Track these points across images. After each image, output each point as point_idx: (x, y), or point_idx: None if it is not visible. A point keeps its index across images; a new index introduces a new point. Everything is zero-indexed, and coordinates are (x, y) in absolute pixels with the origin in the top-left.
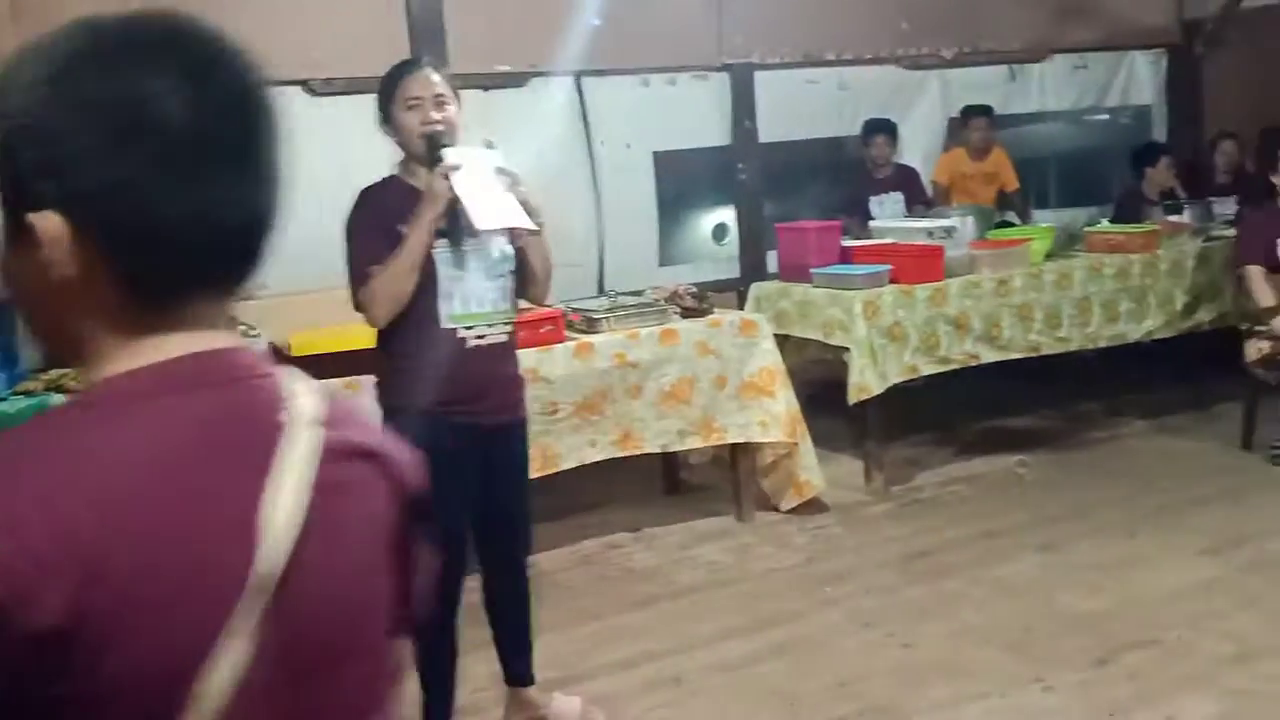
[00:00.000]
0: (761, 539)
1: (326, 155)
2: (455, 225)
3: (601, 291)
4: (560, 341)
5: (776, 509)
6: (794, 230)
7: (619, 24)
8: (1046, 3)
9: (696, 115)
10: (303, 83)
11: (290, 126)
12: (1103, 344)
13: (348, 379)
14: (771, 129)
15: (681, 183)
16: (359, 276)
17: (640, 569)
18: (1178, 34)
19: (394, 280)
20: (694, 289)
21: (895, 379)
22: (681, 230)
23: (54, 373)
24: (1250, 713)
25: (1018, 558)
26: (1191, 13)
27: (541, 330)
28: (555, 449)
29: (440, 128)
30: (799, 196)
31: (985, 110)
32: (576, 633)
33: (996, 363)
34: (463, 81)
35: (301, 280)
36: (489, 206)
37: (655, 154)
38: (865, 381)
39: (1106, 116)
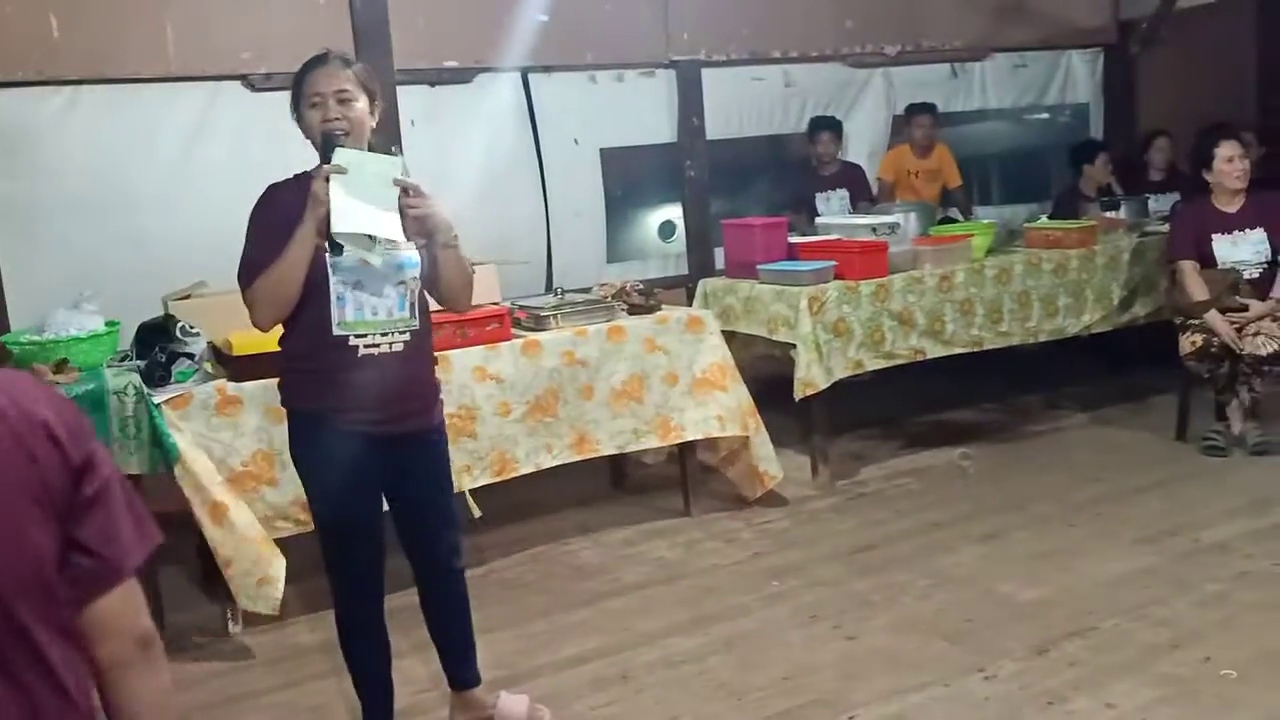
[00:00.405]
0: (709, 535)
1: (266, 151)
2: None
3: (549, 289)
4: (507, 339)
5: (735, 498)
6: (740, 227)
7: (566, 20)
8: (987, 2)
9: (644, 112)
10: (242, 77)
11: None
12: (1043, 338)
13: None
14: (719, 126)
15: (629, 180)
16: (243, 279)
17: (587, 566)
18: (1114, 34)
19: (275, 284)
20: (640, 286)
21: (841, 374)
22: (630, 227)
23: None
24: (1186, 698)
25: (960, 549)
26: (1127, 13)
27: (488, 328)
28: (512, 453)
29: (335, 127)
30: (746, 193)
31: (929, 108)
32: (522, 631)
33: (940, 357)
34: (409, 77)
35: None
36: (356, 212)
37: (602, 150)
38: (811, 377)
39: (1046, 115)
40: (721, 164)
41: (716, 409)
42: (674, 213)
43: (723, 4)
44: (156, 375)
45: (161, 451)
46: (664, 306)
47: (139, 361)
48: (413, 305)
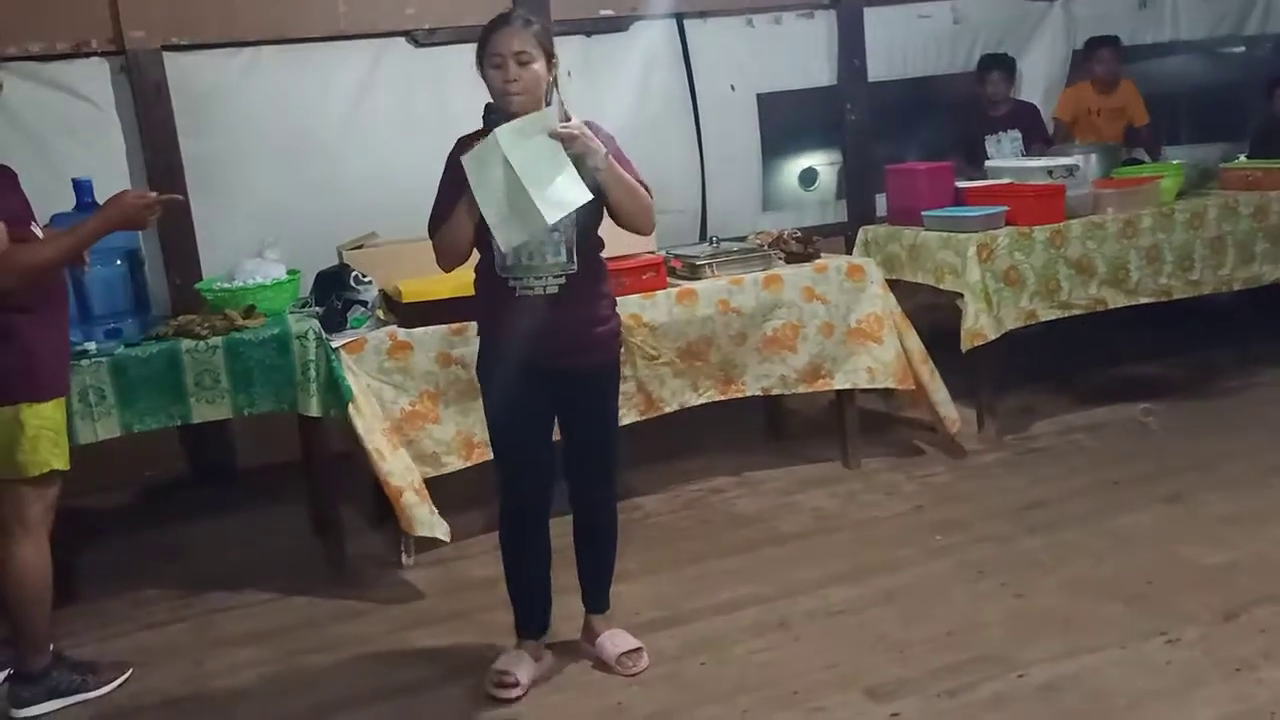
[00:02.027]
0: (868, 486)
1: (431, 105)
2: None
3: (703, 238)
4: (662, 288)
5: (896, 450)
6: (904, 172)
7: None
8: None
9: (802, 55)
10: (407, 33)
11: (395, 77)
12: (1237, 287)
13: (457, 324)
14: (881, 67)
15: (786, 125)
16: (432, 226)
17: (743, 514)
18: None
19: (448, 239)
20: (799, 233)
21: (1011, 325)
22: (786, 175)
23: (182, 318)
24: None
25: (1140, 509)
26: None
27: (644, 277)
28: (658, 393)
29: (510, 90)
30: (909, 137)
31: (1112, 40)
32: (680, 574)
33: (1120, 308)
34: (565, 27)
35: (412, 228)
36: (551, 194)
37: (759, 96)
38: (979, 327)
39: (1243, 47)
40: (883, 107)
41: (868, 360)
42: (817, 160)
43: None
44: (334, 322)
45: (335, 394)
46: (823, 255)
47: (318, 308)
48: (570, 250)
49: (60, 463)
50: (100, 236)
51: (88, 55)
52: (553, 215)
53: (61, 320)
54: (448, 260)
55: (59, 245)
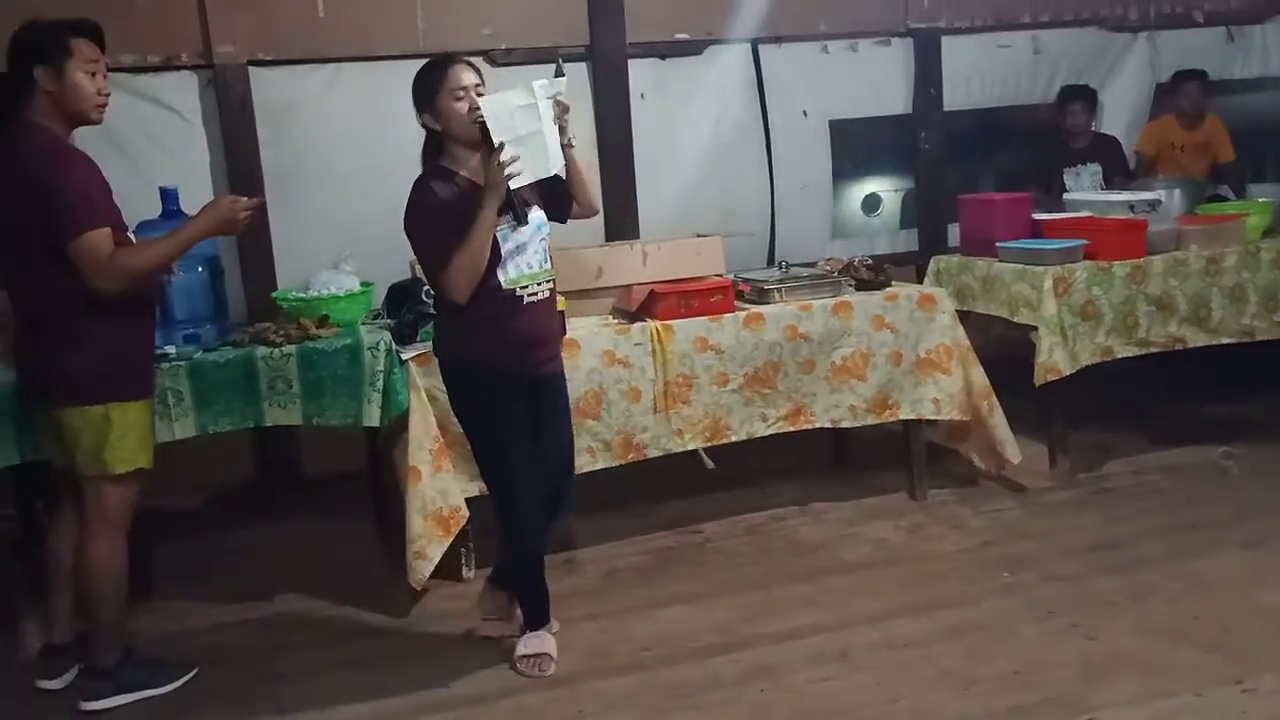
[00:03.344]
0: (934, 519)
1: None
2: (513, 206)
3: (771, 262)
4: (730, 312)
5: (963, 482)
6: (979, 202)
7: None
8: None
9: (877, 82)
10: (484, 53)
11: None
12: None
13: None
14: (957, 96)
15: (859, 152)
16: (439, 264)
17: (806, 542)
18: None
19: (472, 262)
20: (869, 260)
21: (1087, 360)
22: (852, 201)
23: (258, 325)
24: None
25: (1218, 553)
26: None
27: (712, 299)
28: (726, 420)
29: (482, 116)
30: (984, 167)
31: (1199, 75)
32: (740, 600)
33: (1202, 346)
34: (640, 50)
35: None
36: (538, 159)
37: (832, 122)
38: (1053, 362)
39: None
40: (958, 136)
41: (934, 391)
42: (881, 185)
43: None
44: (405, 334)
45: (391, 403)
46: (894, 283)
47: (389, 320)
48: (549, 257)
49: (145, 461)
50: (198, 240)
51: (177, 68)
52: (555, 166)
53: (149, 324)
54: (472, 284)
55: (159, 249)
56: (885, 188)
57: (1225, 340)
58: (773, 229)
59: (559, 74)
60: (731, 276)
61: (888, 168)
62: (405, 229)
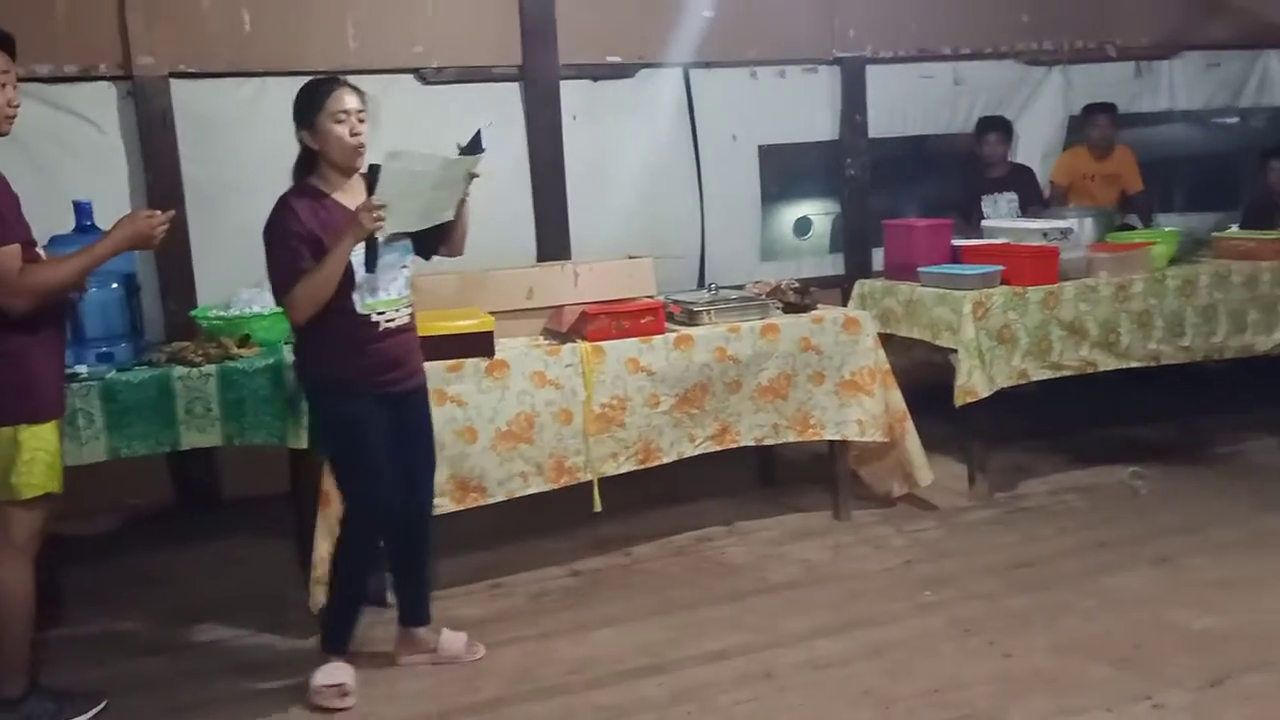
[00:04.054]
0: (859, 539)
1: (434, 141)
2: (370, 249)
3: (702, 284)
4: (660, 333)
5: (886, 502)
6: (902, 227)
7: (730, 16)
8: None
9: (805, 109)
10: (415, 70)
11: (401, 112)
12: (1229, 355)
13: (452, 361)
14: (882, 123)
15: (786, 177)
16: (285, 284)
17: (733, 563)
18: None
19: (318, 289)
20: (797, 284)
21: (1003, 383)
22: (785, 225)
23: (176, 345)
24: None
25: (1129, 571)
26: None
27: (643, 321)
28: (657, 443)
29: (362, 140)
30: (908, 194)
31: (1108, 108)
32: (667, 622)
33: (1113, 370)
34: (572, 72)
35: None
36: (412, 216)
37: (761, 148)
38: (972, 384)
39: (1238, 118)
40: (883, 163)
41: (859, 413)
42: (812, 209)
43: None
44: None
45: (295, 427)
46: (820, 306)
47: None
48: (409, 284)
49: (54, 486)
50: (112, 256)
51: (95, 79)
52: (434, 222)
53: (59, 341)
54: (313, 309)
55: (71, 265)
56: (816, 211)
57: (1133, 364)
58: (703, 251)
59: (477, 149)
60: (662, 298)
61: (817, 192)
62: (264, 240)
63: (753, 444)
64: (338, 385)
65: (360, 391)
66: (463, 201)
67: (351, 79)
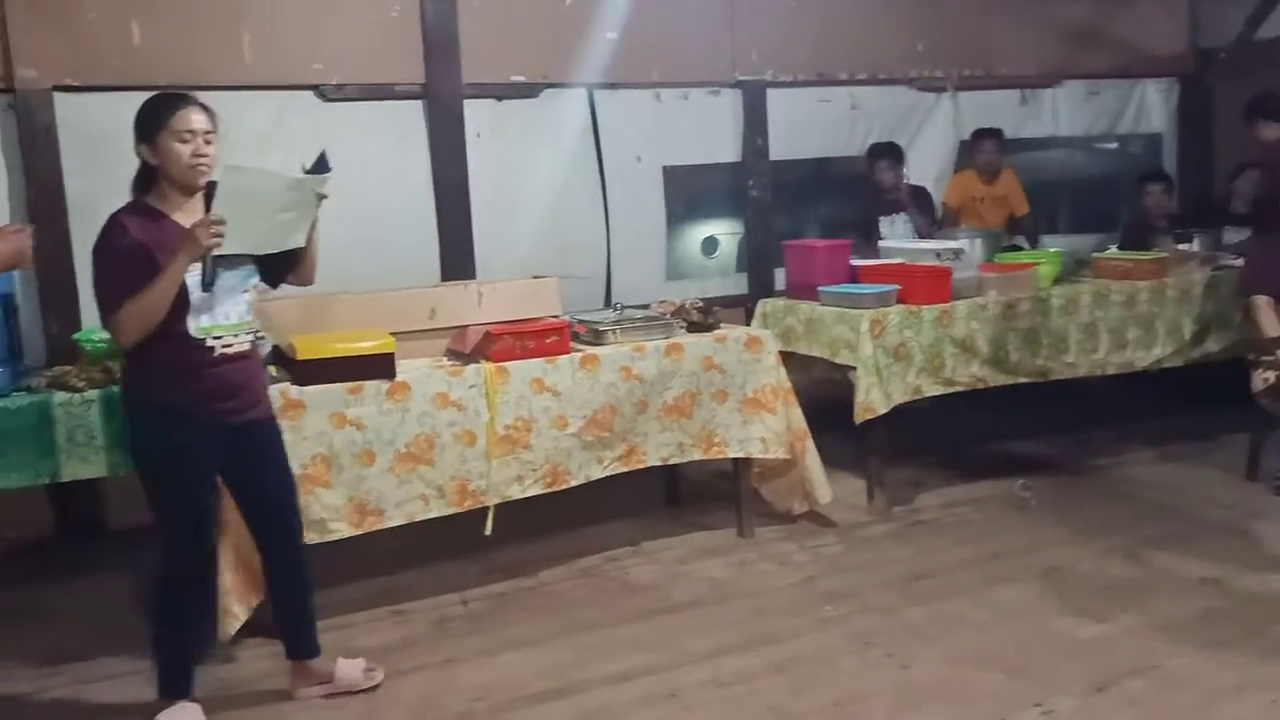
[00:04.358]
0: (762, 555)
1: (336, 160)
2: (206, 268)
3: (608, 304)
4: (565, 353)
5: (789, 519)
6: (803, 248)
7: (633, 39)
8: (1060, 29)
9: (708, 131)
10: (314, 87)
11: (301, 130)
12: (1110, 371)
13: (354, 383)
14: (783, 146)
15: (691, 198)
16: (112, 304)
17: (639, 582)
18: (1191, 63)
19: (148, 310)
20: (700, 304)
21: (900, 399)
22: (690, 246)
23: (57, 369)
24: None
25: (1019, 581)
26: (1205, 42)
27: (548, 340)
28: (565, 465)
29: (208, 163)
30: (808, 214)
31: (995, 133)
32: (572, 643)
33: (1004, 387)
34: (476, 90)
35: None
36: (255, 237)
37: (665, 168)
38: (870, 401)
39: (1117, 144)
40: (785, 184)
41: (761, 430)
42: (722, 228)
43: (791, 25)
44: None
45: None
46: (723, 325)
47: None
48: (251, 308)
49: None
50: None
51: None
52: (279, 248)
53: None
54: (141, 332)
55: None
56: (723, 231)
57: (1021, 380)
58: (609, 271)
59: (323, 169)
60: (568, 318)
61: (722, 213)
62: (92, 258)
63: (659, 464)
64: (165, 412)
65: (189, 420)
66: (313, 226)
67: (246, 95)
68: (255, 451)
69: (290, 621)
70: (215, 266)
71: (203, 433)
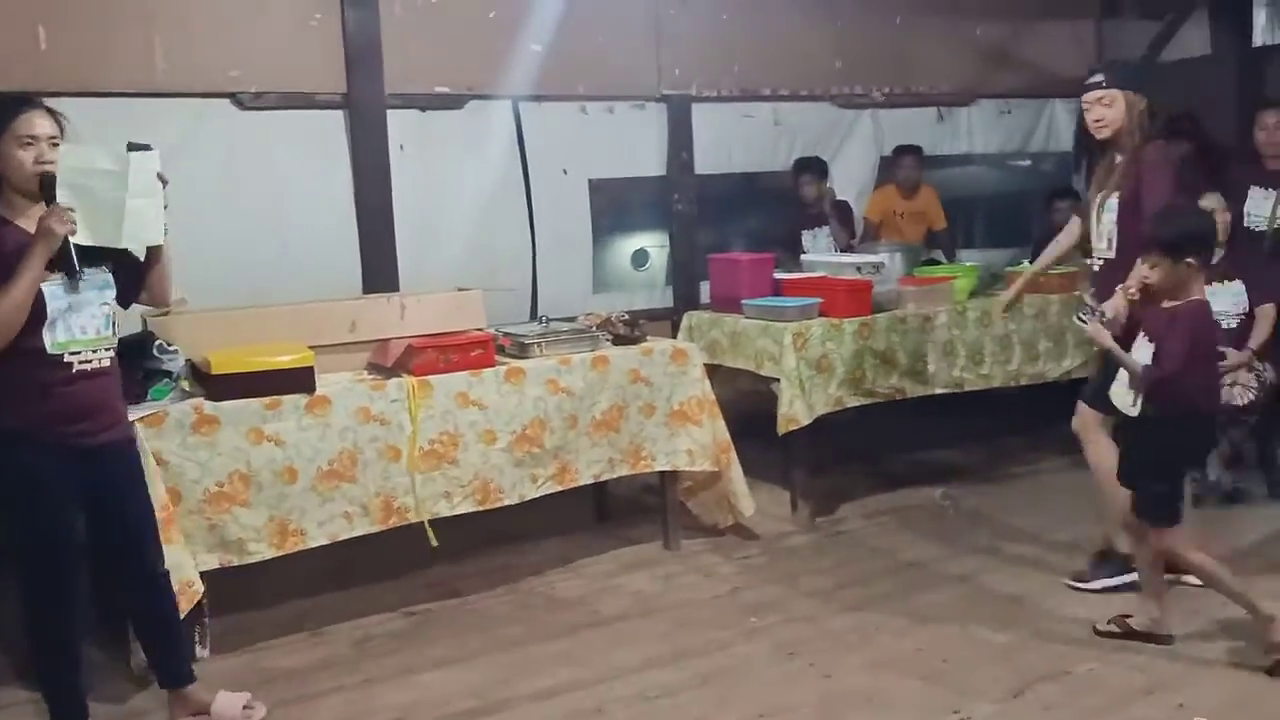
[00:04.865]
0: (688, 568)
1: (252, 168)
2: (67, 259)
3: (534, 317)
4: (490, 366)
5: (715, 530)
6: (727, 261)
7: (559, 51)
8: (974, 49)
9: (633, 144)
10: (231, 95)
11: (217, 139)
12: (1024, 381)
13: (269, 398)
14: (708, 161)
15: (617, 211)
16: None
17: (565, 597)
18: None
19: (4, 319)
20: (626, 316)
21: (822, 410)
22: (616, 258)
23: None
24: None
25: (937, 589)
26: None
27: (472, 354)
28: (497, 483)
29: (52, 169)
30: (733, 228)
31: (914, 149)
32: (496, 661)
33: (924, 397)
34: (399, 101)
35: (226, 296)
36: (109, 225)
37: (591, 181)
38: (794, 413)
39: (1029, 161)
40: (710, 198)
41: (688, 442)
42: (648, 241)
43: (715, 41)
44: (133, 393)
45: None
46: (649, 338)
47: None
48: (111, 321)
49: None
50: None
51: None
52: (139, 240)
53: None
54: (2, 340)
55: None
56: (652, 243)
57: (938, 391)
58: (535, 284)
59: (144, 146)
60: (492, 330)
61: (649, 226)
62: None
63: (590, 480)
64: (13, 434)
65: (41, 442)
66: (165, 232)
67: (156, 102)
68: (113, 477)
69: (157, 653)
70: (76, 261)
71: (54, 456)
